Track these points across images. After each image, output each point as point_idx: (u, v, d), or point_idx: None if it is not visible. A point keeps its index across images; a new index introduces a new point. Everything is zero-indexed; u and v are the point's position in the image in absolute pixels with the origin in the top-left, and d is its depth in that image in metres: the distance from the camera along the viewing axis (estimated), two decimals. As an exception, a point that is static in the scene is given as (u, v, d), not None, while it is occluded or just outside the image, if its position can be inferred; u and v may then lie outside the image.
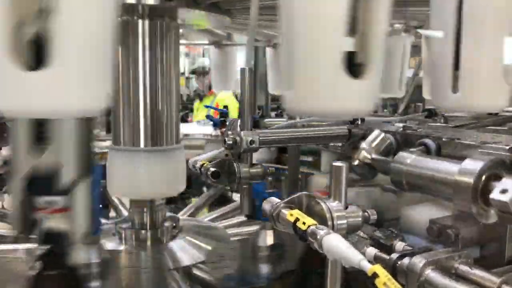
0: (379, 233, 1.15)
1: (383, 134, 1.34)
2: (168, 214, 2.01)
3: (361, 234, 1.14)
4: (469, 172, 1.02)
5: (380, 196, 1.44)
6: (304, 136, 1.57)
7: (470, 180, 1.01)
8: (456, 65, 0.98)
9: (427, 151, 1.21)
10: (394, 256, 1.05)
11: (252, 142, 1.39)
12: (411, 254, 1.02)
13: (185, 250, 1.83)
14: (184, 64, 9.00)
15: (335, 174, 1.05)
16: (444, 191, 1.07)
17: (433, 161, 1.15)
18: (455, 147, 1.18)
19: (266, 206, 1.10)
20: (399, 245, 1.12)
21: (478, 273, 0.97)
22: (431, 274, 0.96)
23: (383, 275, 0.82)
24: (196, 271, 1.69)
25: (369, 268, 0.84)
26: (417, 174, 1.15)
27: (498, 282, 0.93)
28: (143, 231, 1.88)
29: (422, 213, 1.19)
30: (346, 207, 1.06)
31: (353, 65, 0.82)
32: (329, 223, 1.02)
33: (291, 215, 1.02)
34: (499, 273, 0.97)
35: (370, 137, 1.37)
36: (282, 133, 1.56)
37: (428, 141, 1.22)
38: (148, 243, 1.87)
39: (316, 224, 0.97)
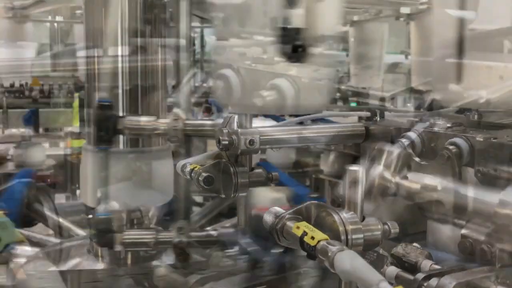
0: (402, 250, 1.13)
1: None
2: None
3: (381, 250, 1.12)
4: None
5: (404, 206, 1.39)
6: (313, 135, 1.50)
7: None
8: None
9: (459, 152, 1.18)
10: (420, 276, 1.02)
11: (251, 142, 1.33)
12: (440, 274, 1.00)
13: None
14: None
15: (349, 180, 1.02)
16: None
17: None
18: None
19: (268, 217, 1.08)
20: (425, 263, 1.09)
21: (519, 296, 0.97)
22: (464, 297, 0.96)
23: (406, 299, 0.83)
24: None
25: (390, 291, 0.82)
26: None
27: (541, 305, 0.93)
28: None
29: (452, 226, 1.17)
30: (363, 219, 1.04)
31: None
32: (343, 237, 1.00)
33: (298, 228, 1.00)
34: (541, 296, 0.97)
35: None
36: (288, 131, 1.50)
37: (459, 140, 1.19)
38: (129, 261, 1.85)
39: (327, 239, 0.96)
